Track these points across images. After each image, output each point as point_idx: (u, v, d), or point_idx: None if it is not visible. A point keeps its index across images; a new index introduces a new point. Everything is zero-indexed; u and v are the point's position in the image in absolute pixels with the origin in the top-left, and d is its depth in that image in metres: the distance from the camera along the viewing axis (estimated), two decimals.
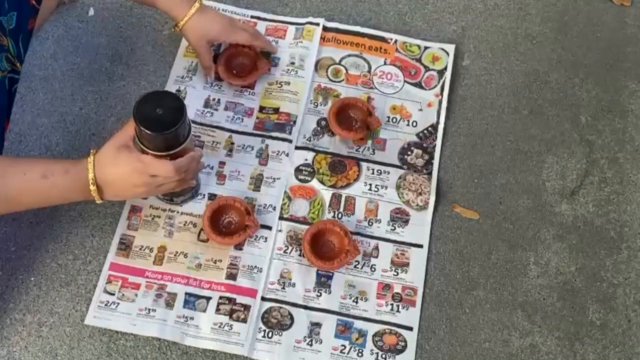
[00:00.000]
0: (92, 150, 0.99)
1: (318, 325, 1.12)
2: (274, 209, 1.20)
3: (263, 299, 1.13)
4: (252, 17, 1.39)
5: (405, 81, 1.34)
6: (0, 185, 0.92)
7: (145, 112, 0.96)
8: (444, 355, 1.12)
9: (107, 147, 0.98)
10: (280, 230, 1.18)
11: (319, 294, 1.14)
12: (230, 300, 1.12)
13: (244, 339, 1.09)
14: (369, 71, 1.35)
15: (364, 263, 1.17)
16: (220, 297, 1.12)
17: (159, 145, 0.99)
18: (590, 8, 1.48)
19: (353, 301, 1.14)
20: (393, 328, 1.12)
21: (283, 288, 1.14)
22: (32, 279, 1.13)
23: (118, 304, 1.11)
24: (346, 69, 1.35)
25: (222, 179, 1.22)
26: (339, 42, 1.38)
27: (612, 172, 1.30)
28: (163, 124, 0.96)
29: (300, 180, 1.23)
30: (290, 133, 1.27)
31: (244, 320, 1.11)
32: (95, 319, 1.10)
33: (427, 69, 1.36)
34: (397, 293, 1.15)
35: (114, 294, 1.11)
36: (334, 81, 1.34)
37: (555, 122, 1.34)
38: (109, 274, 1.13)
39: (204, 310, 1.11)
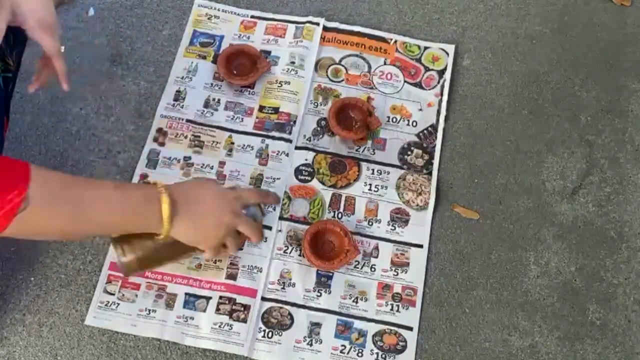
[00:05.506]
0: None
1: (318, 325, 1.12)
2: (274, 209, 1.20)
3: (263, 299, 1.13)
4: (252, 16, 1.39)
5: (405, 81, 1.34)
6: (74, 194, 0.83)
7: None
8: (444, 355, 1.12)
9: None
10: (280, 230, 1.18)
11: (319, 294, 1.14)
12: (230, 300, 1.12)
13: (244, 339, 1.09)
14: (369, 71, 1.35)
15: (364, 263, 1.17)
16: (220, 297, 1.12)
17: None
18: (590, 8, 1.47)
19: (353, 301, 1.14)
20: (393, 328, 1.12)
21: (283, 288, 1.14)
22: (32, 279, 1.13)
23: (118, 304, 1.11)
24: (346, 69, 1.35)
25: (222, 178, 1.22)
26: (339, 42, 1.38)
27: (612, 172, 1.30)
28: None
29: (300, 180, 1.23)
30: (290, 133, 1.27)
31: (244, 320, 1.11)
32: (95, 320, 1.10)
33: (427, 69, 1.36)
34: (397, 293, 1.15)
35: (114, 294, 1.11)
36: (334, 81, 1.34)
37: (555, 122, 1.34)
38: (108, 274, 1.13)
39: (204, 310, 1.11)
